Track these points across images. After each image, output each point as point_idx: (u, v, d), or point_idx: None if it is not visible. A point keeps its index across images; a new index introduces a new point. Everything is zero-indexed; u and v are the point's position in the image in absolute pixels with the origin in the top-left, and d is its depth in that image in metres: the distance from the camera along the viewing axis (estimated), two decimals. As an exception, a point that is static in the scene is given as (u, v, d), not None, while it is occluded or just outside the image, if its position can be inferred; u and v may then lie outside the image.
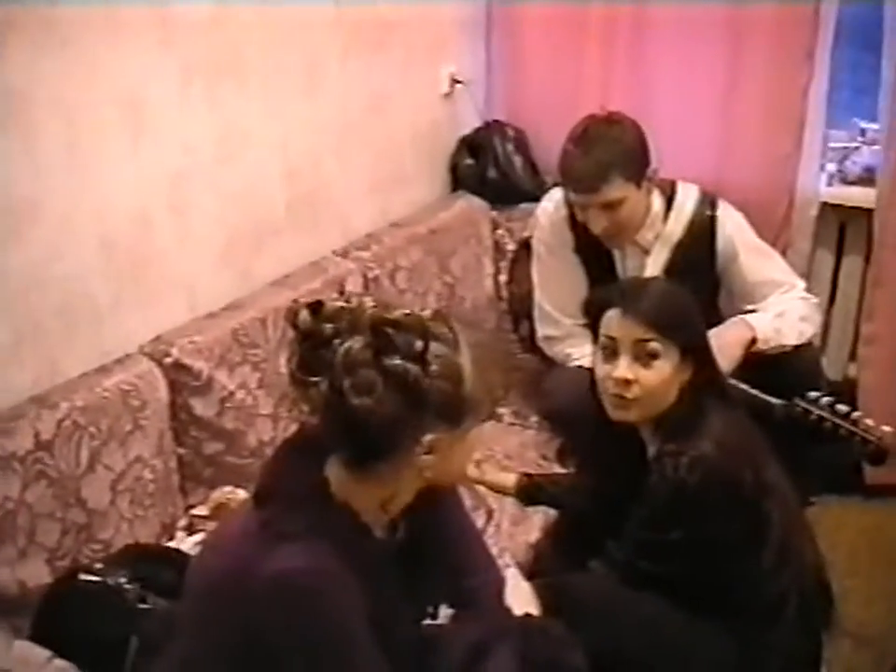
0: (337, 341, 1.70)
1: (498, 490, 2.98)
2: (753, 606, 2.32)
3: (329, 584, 1.69)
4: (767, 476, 2.34)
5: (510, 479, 2.99)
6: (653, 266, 3.19)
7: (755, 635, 2.32)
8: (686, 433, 2.30)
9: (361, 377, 1.68)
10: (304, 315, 1.74)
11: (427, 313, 1.80)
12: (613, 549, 2.37)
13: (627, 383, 2.33)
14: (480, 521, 2.76)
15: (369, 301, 1.77)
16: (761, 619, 2.33)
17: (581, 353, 3.17)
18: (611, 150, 3.02)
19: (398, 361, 1.69)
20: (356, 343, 1.69)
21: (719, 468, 2.25)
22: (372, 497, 1.82)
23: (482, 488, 2.95)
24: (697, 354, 2.37)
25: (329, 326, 1.71)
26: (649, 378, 2.32)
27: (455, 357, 1.76)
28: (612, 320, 2.36)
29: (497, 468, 3.11)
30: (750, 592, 2.32)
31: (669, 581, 2.29)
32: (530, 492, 2.95)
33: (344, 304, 1.77)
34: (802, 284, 3.27)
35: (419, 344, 1.71)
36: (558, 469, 3.14)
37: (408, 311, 1.76)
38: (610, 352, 2.37)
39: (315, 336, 1.72)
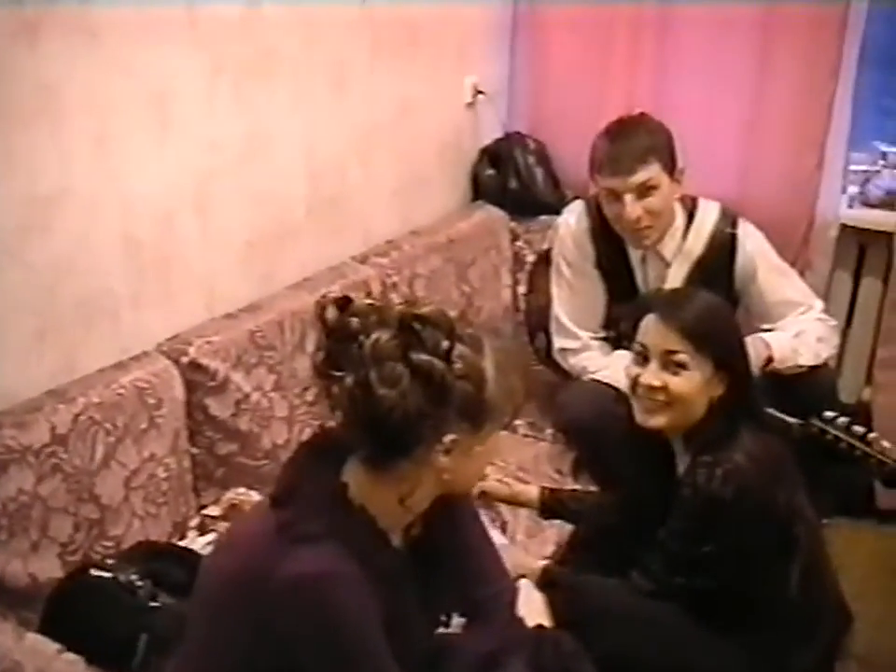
0: (363, 336, 1.71)
1: (521, 502, 2.96)
2: (779, 628, 2.31)
3: (346, 589, 1.68)
4: (798, 500, 2.33)
5: (532, 491, 2.96)
6: (673, 281, 3.18)
7: (779, 657, 2.31)
8: (719, 447, 2.28)
9: (388, 369, 1.69)
10: (332, 309, 1.75)
11: (452, 314, 1.81)
12: (649, 561, 2.34)
13: (654, 389, 2.33)
14: (495, 533, 2.77)
15: (396, 299, 1.78)
16: (788, 641, 2.32)
17: (596, 366, 3.18)
18: (647, 138, 3.08)
19: (424, 357, 1.71)
20: (384, 334, 1.71)
21: (753, 481, 2.24)
22: (390, 498, 1.81)
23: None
24: (732, 370, 2.35)
25: (356, 320, 1.73)
26: (677, 384, 2.31)
27: (478, 360, 1.78)
28: (647, 326, 2.37)
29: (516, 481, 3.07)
30: (774, 612, 2.30)
31: (699, 595, 2.28)
32: (552, 506, 2.93)
33: (372, 301, 1.80)
34: (820, 305, 3.26)
35: (445, 343, 1.73)
36: (572, 483, 3.12)
37: (435, 308, 1.78)
38: (642, 357, 2.37)
39: (342, 330, 1.73)
